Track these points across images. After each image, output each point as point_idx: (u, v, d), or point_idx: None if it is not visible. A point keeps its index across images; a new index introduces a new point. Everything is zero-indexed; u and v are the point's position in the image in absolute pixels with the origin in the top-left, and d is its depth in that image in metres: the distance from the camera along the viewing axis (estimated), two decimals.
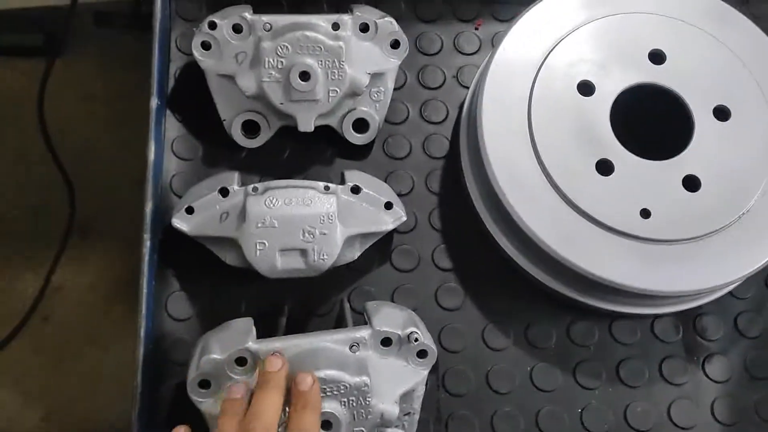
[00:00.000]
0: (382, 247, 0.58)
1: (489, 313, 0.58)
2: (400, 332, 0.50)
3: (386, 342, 0.50)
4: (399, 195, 0.60)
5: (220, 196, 0.53)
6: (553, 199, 0.54)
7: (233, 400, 0.45)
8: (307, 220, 0.52)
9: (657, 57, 0.58)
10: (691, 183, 0.55)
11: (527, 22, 0.58)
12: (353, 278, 0.58)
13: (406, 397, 0.51)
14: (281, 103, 0.56)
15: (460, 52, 0.65)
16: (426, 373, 0.51)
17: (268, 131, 0.59)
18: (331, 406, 0.46)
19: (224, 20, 0.56)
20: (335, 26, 0.57)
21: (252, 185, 0.53)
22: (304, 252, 0.52)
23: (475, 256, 0.60)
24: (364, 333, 0.49)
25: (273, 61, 0.55)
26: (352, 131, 0.60)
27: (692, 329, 0.59)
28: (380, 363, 0.50)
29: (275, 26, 0.57)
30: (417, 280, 0.59)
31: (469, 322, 0.58)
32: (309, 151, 0.61)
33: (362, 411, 0.47)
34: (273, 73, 0.56)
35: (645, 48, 0.58)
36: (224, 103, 0.59)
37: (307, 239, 0.52)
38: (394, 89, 0.62)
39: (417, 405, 0.52)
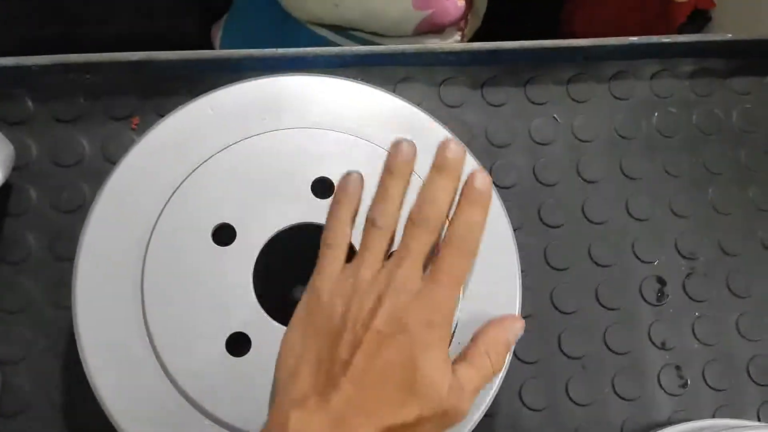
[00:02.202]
0: None
1: None
2: None
3: None
4: (7, 363, 0.46)
5: None
6: (167, 394, 0.41)
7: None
8: None
9: (323, 187, 0.45)
10: None
11: (150, 145, 0.44)
12: None
13: None
14: None
15: (110, 161, 0.51)
16: None
17: None
18: None
19: None
20: None
21: None
22: None
23: None
24: None
25: None
26: None
27: None
28: None
29: None
30: None
31: None
32: None
33: None
34: None
35: (309, 176, 0.45)
36: None
37: None
38: (11, 216, 0.47)
39: None
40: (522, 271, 0.53)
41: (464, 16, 0.72)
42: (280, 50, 0.51)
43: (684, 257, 0.55)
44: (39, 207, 0.49)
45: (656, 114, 0.57)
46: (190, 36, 0.72)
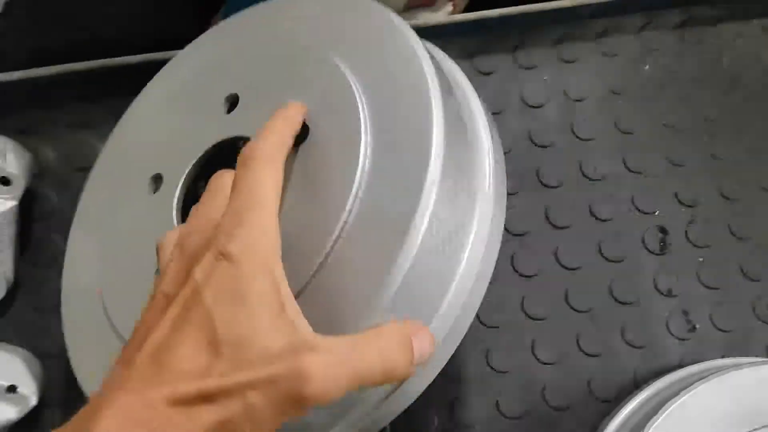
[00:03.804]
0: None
1: None
2: None
3: None
4: (48, 357, 0.50)
5: None
6: (109, 337, 0.40)
7: None
8: None
9: (232, 103, 0.41)
10: None
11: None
12: None
13: None
14: None
15: None
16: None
17: None
18: None
19: None
20: None
21: None
22: None
23: None
24: None
25: None
26: None
27: None
28: None
29: None
30: None
31: None
32: None
33: None
34: None
35: (221, 94, 0.41)
36: None
37: None
38: (37, 221, 0.51)
39: None
40: (525, 233, 0.54)
41: None
42: None
43: (685, 205, 0.56)
44: (61, 210, 0.52)
45: (646, 67, 0.58)
46: (191, 33, 0.74)
